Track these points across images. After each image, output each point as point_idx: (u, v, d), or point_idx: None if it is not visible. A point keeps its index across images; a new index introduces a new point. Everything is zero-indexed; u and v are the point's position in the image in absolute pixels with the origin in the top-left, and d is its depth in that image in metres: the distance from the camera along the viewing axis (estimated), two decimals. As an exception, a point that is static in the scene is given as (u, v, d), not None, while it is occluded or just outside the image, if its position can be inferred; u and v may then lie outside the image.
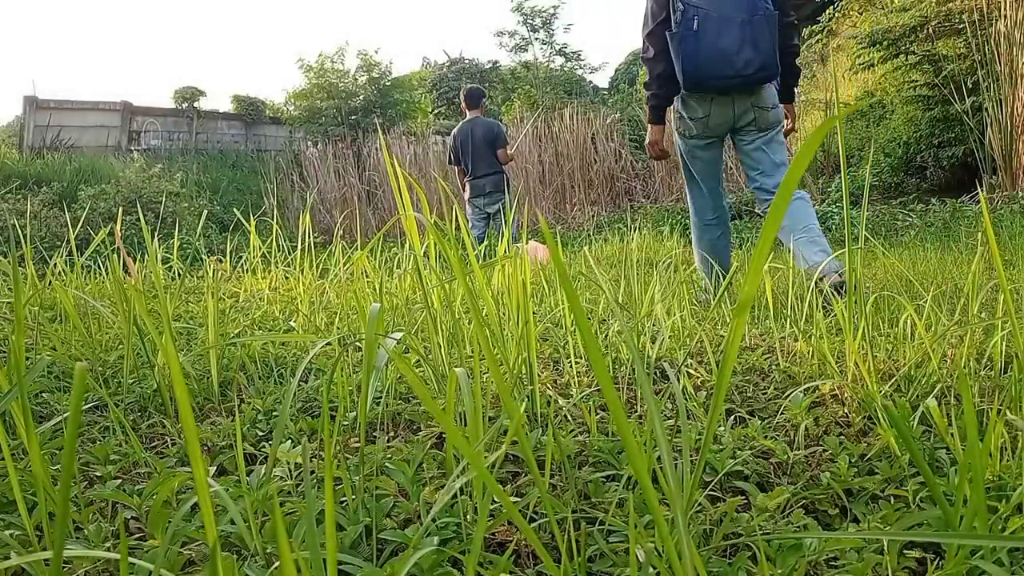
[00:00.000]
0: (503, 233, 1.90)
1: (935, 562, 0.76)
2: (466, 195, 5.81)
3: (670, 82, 2.66)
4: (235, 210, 3.49)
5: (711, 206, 2.89)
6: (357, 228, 2.52)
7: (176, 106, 15.32)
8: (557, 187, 12.17)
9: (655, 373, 1.50)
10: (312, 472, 1.01)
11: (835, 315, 1.76)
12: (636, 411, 1.28)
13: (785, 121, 2.87)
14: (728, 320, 1.96)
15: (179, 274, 2.89)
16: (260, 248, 2.84)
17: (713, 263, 2.74)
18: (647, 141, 2.94)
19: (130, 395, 1.36)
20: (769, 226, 0.49)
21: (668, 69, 2.64)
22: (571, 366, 1.47)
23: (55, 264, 2.45)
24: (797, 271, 1.93)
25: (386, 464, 0.95)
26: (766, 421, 1.18)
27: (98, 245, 2.03)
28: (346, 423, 1.18)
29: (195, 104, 15.29)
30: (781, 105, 2.77)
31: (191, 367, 1.48)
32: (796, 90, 2.88)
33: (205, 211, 4.02)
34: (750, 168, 2.78)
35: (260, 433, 1.19)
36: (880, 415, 1.10)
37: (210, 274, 2.31)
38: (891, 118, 9.37)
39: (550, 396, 1.27)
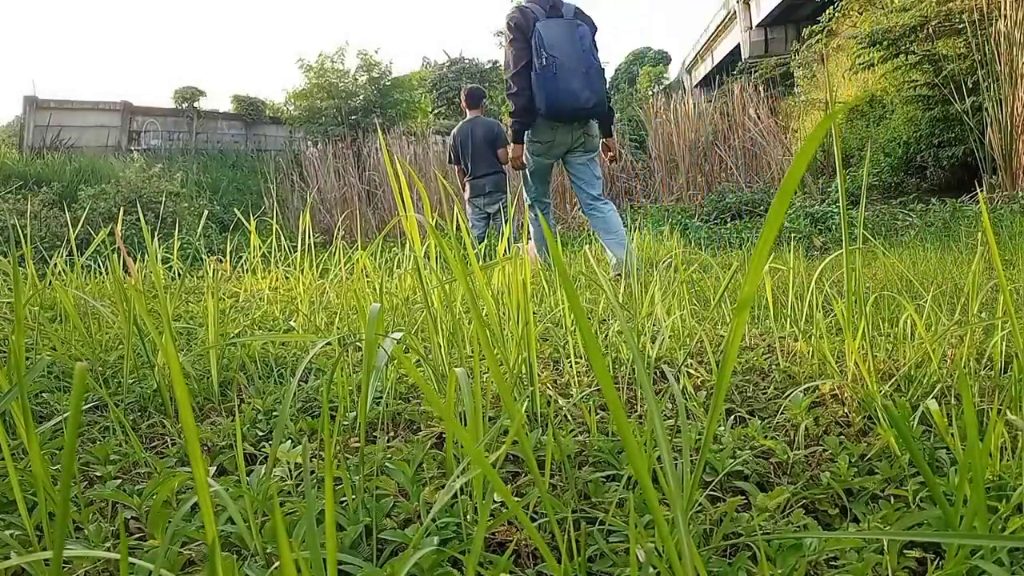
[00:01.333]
0: (503, 233, 1.90)
1: (935, 562, 0.76)
2: (466, 195, 5.81)
3: (529, 112, 3.58)
4: (235, 210, 3.49)
5: (544, 193, 4.05)
6: (357, 228, 2.52)
7: (176, 106, 15.31)
8: (557, 187, 12.16)
9: (655, 373, 1.50)
10: (312, 472, 1.01)
11: (835, 315, 1.76)
12: (636, 411, 1.28)
13: (608, 152, 3.96)
14: (728, 320, 1.96)
15: (179, 274, 2.89)
16: (260, 248, 2.84)
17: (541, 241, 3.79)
18: (512, 156, 3.79)
19: (130, 395, 1.36)
20: (769, 227, 0.49)
21: (530, 102, 3.56)
22: (571, 366, 1.47)
23: (55, 264, 2.45)
24: (797, 271, 1.94)
25: (386, 464, 0.95)
26: (766, 421, 1.18)
27: (98, 245, 2.03)
28: (346, 423, 1.18)
29: (195, 104, 15.29)
30: (601, 138, 3.87)
31: (191, 367, 1.48)
32: (612, 127, 3.94)
33: (205, 211, 4.01)
34: (577, 179, 3.81)
35: (260, 433, 1.19)
36: (880, 415, 1.10)
37: (210, 274, 2.31)
38: (891, 118, 9.37)
39: (550, 396, 1.27)
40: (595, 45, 3.61)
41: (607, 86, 3.80)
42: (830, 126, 0.42)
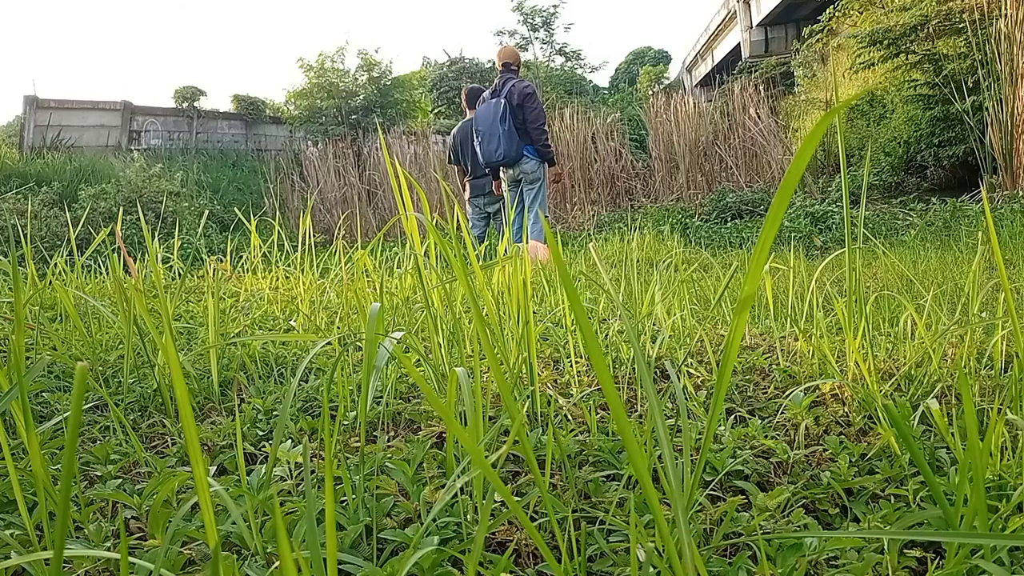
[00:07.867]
0: (503, 233, 1.90)
1: (935, 561, 0.76)
2: (466, 195, 5.80)
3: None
4: (235, 210, 3.49)
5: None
6: (357, 228, 2.52)
7: (176, 106, 15.32)
8: (557, 187, 12.16)
9: (655, 372, 1.50)
10: (312, 472, 1.01)
11: (835, 314, 1.76)
12: (636, 410, 1.28)
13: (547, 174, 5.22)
14: (728, 320, 1.96)
15: (179, 274, 2.89)
16: (261, 248, 2.84)
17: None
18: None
19: (130, 395, 1.36)
20: (769, 226, 0.49)
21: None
22: (571, 366, 1.47)
23: (55, 264, 2.45)
24: (797, 270, 1.94)
25: (386, 464, 0.95)
26: (766, 420, 1.18)
27: (98, 245, 2.03)
28: (346, 423, 1.18)
29: (195, 104, 15.30)
30: (543, 165, 5.17)
31: (191, 367, 1.48)
32: (550, 155, 5.14)
33: (205, 211, 4.02)
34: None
35: (260, 433, 1.19)
36: (880, 414, 1.10)
37: (210, 274, 2.31)
38: (891, 117, 9.37)
39: (550, 396, 1.27)
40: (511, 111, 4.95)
41: (531, 135, 5.01)
42: (831, 124, 0.42)
